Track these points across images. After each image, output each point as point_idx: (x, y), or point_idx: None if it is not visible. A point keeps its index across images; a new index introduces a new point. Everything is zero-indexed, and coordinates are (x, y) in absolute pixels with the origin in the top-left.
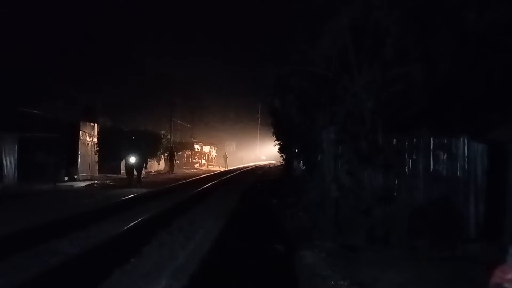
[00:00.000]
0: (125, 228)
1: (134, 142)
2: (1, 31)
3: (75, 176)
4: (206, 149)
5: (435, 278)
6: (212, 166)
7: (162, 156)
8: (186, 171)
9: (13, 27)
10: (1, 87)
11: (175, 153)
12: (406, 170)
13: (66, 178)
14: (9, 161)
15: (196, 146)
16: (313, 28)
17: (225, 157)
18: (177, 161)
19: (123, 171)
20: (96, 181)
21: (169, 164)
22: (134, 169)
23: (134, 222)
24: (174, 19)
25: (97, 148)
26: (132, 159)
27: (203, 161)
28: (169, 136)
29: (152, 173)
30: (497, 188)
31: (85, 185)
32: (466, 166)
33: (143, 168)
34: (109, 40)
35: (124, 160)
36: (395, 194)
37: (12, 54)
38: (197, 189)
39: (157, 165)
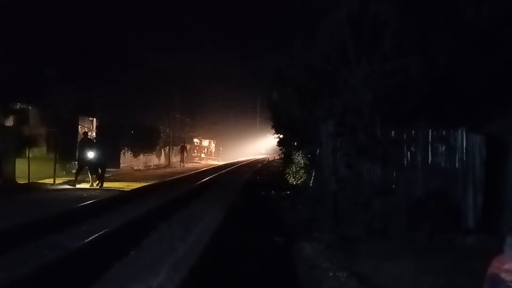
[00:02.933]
0: None
1: (95, 139)
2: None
3: (73, 171)
4: (205, 143)
5: (434, 269)
6: (212, 159)
7: (163, 151)
8: (186, 165)
9: (13, 23)
10: None
11: (186, 147)
12: (405, 162)
13: (63, 173)
14: (7, 157)
15: (196, 140)
16: (312, 21)
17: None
18: (186, 155)
19: (122, 164)
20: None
21: (180, 156)
22: (98, 166)
23: None
24: (172, 14)
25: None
26: (91, 154)
27: (203, 155)
28: (167, 130)
29: (152, 167)
30: (496, 180)
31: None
32: (464, 158)
33: (104, 165)
34: (105, 32)
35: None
36: (393, 186)
37: (9, 47)
38: (195, 183)
39: (156, 159)
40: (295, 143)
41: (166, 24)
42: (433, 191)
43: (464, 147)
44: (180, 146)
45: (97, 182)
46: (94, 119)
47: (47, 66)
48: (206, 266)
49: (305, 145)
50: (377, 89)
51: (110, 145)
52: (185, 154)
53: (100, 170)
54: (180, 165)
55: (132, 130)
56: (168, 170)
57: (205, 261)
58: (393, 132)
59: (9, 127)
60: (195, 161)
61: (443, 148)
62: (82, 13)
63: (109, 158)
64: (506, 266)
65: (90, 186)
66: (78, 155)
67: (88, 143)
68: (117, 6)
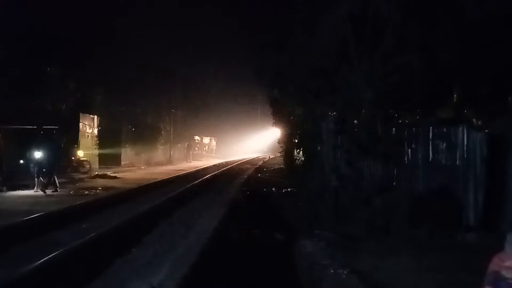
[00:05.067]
0: None
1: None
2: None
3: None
4: (206, 140)
5: (434, 266)
6: (212, 157)
7: (164, 148)
8: (186, 163)
9: (14, 19)
10: None
11: (191, 145)
12: (406, 159)
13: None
14: (8, 154)
15: (196, 137)
16: (313, 18)
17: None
18: (187, 153)
19: (124, 162)
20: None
21: (186, 154)
22: (43, 168)
23: None
24: (172, 11)
25: (97, 141)
26: (38, 154)
27: (203, 153)
28: (168, 127)
29: (153, 164)
30: (496, 177)
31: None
32: (465, 155)
33: (53, 169)
34: (107, 28)
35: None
36: (394, 183)
37: (8, 42)
38: (198, 180)
39: (157, 157)
40: (296, 141)
41: (167, 20)
42: (434, 188)
43: (465, 144)
44: (186, 144)
45: (44, 188)
46: (95, 117)
47: (48, 62)
48: (207, 262)
49: (306, 143)
50: (378, 87)
51: (61, 144)
52: (190, 152)
53: (48, 174)
54: (187, 162)
55: (134, 127)
56: (171, 167)
57: (206, 257)
58: (393, 129)
59: (10, 123)
60: (196, 158)
61: (444, 145)
62: (83, 9)
63: (61, 160)
64: (507, 263)
65: (35, 191)
66: (26, 155)
67: (37, 141)
68: (119, 2)
